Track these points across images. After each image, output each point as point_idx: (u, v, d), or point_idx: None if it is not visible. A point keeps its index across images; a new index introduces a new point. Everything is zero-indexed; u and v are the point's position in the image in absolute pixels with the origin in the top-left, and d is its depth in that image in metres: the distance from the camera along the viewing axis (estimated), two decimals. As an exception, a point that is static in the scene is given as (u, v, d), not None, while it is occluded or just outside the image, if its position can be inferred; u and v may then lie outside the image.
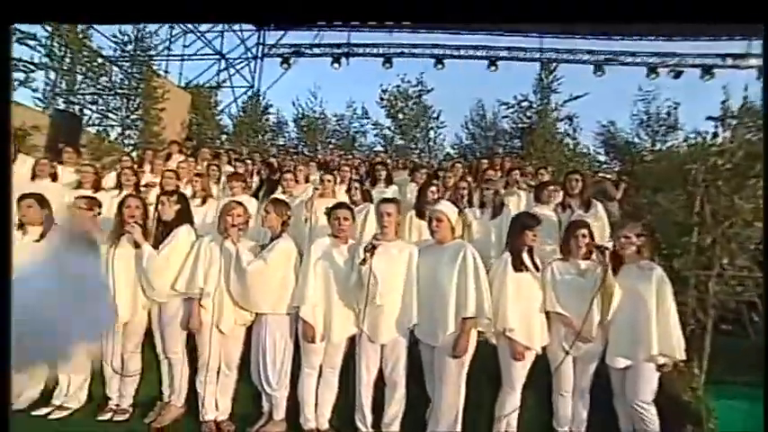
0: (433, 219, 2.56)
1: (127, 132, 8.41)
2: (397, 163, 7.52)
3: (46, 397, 3.07)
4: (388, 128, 11.73)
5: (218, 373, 2.87)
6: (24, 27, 6.07)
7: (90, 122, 7.47)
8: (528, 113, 10.21)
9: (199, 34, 12.86)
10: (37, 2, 1.35)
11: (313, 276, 2.63)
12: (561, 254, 2.69)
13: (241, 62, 14.13)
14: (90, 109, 7.48)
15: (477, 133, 12.17)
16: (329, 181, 4.07)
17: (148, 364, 3.07)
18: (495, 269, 2.59)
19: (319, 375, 2.72)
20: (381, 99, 11.86)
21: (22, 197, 3.23)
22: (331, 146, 12.42)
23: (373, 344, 2.59)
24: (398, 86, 11.83)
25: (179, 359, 2.93)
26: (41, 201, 3.20)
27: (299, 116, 12.57)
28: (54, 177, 4.59)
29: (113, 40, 8.74)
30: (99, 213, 3.22)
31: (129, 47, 8.68)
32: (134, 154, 6.78)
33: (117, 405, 3.01)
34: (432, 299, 2.48)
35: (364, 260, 2.42)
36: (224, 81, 13.66)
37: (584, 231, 2.59)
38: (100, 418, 2.93)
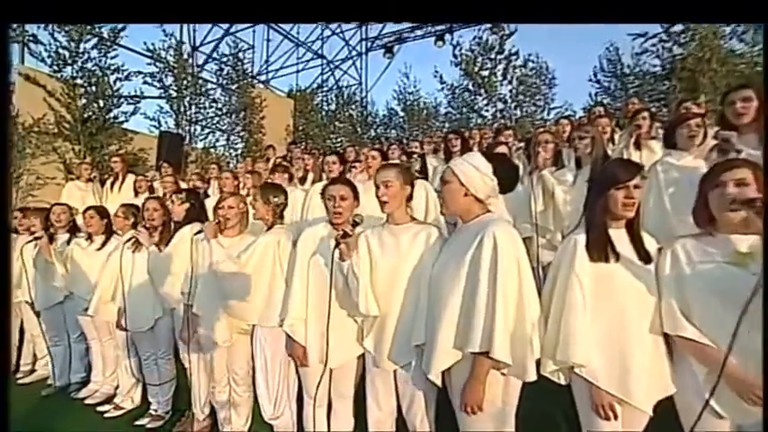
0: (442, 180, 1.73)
1: (233, 143, 9.30)
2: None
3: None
4: (504, 101, 10.08)
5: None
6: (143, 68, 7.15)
7: (198, 138, 8.46)
8: (683, 36, 7.37)
9: (298, 41, 13.68)
10: (37, 2, 1.37)
11: (301, 278, 2.06)
12: (697, 225, 1.52)
13: (344, 61, 14.61)
14: (197, 126, 8.45)
15: (614, 85, 9.77)
16: (373, 158, 3.45)
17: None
18: (558, 260, 1.60)
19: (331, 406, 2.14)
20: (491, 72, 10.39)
21: (87, 209, 3.54)
22: (443, 130, 11.65)
23: (381, 369, 1.88)
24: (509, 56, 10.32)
25: (194, 369, 2.74)
26: (102, 212, 3.46)
27: (407, 103, 12.09)
28: (151, 191, 5.21)
29: (214, 59, 9.78)
30: (135, 222, 3.28)
31: (226, 67, 9.54)
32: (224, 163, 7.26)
33: (155, 410, 2.99)
34: (433, 310, 1.66)
35: (341, 254, 1.75)
36: (326, 82, 14.21)
37: (748, 177, 1.37)
38: (137, 423, 2.93)
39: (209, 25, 11.57)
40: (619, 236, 1.54)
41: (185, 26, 9.51)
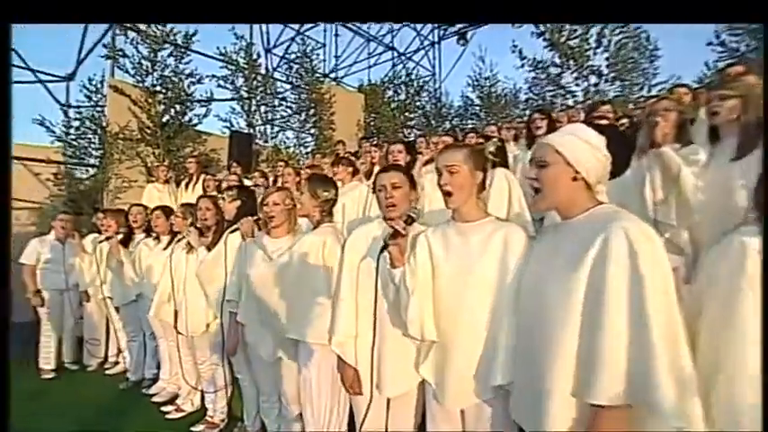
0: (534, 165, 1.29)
1: (303, 141, 9.42)
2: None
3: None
4: (598, 73, 8.57)
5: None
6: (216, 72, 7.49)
7: (269, 137, 8.68)
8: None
9: (369, 35, 13.57)
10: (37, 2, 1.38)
11: (351, 287, 1.74)
12: None
13: (416, 52, 14.23)
14: (268, 125, 8.67)
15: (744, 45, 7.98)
16: (444, 144, 3.06)
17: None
18: (708, 272, 1.09)
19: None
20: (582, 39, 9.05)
21: (154, 209, 3.63)
22: (523, 117, 10.71)
23: (443, 407, 1.50)
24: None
25: (245, 380, 2.60)
26: (168, 212, 3.51)
27: (483, 90, 11.30)
28: (219, 190, 5.34)
29: (284, 57, 9.98)
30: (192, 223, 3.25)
31: (295, 65, 9.68)
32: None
33: (211, 417, 2.92)
34: (532, 340, 1.22)
35: (391, 260, 1.40)
36: (398, 74, 13.93)
37: None
38: (193, 429, 2.87)
39: (281, 27, 11.98)
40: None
41: (257, 29, 9.86)
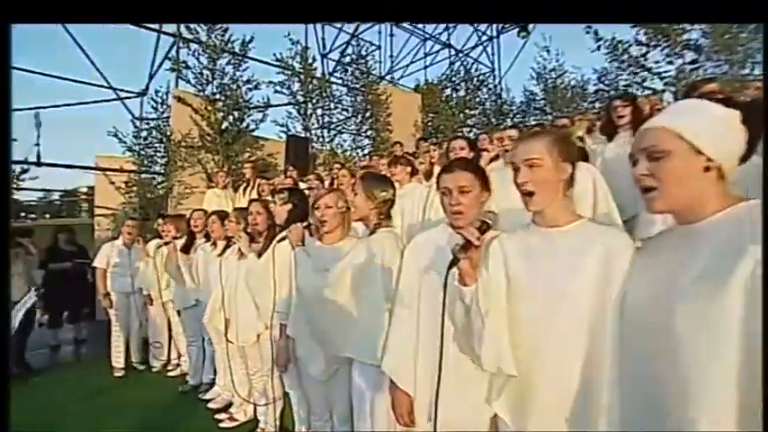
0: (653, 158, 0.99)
1: (359, 143, 9.39)
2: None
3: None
4: (696, 47, 7.25)
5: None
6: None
7: (325, 140, 8.73)
8: None
9: (424, 34, 13.34)
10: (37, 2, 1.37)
11: (410, 301, 1.52)
12: None
13: (474, 48, 13.79)
14: (324, 128, 8.73)
15: None
16: (511, 139, 2.77)
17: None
18: None
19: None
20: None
21: (210, 214, 3.65)
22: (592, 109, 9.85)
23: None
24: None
25: (295, 396, 2.46)
26: (223, 217, 3.51)
27: (548, 82, 10.59)
28: (273, 194, 5.38)
29: (339, 62, 10.03)
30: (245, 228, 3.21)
31: (350, 67, 9.70)
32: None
33: (263, 429, 2.83)
34: (653, 374, 0.92)
35: (461, 276, 1.16)
36: (456, 72, 13.54)
37: None
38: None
39: (336, 32, 12.12)
40: None
41: (312, 35, 10.02)
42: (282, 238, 2.36)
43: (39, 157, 5.64)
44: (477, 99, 11.68)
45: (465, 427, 1.36)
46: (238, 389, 3.04)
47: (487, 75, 13.20)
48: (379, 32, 13.08)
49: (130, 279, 4.43)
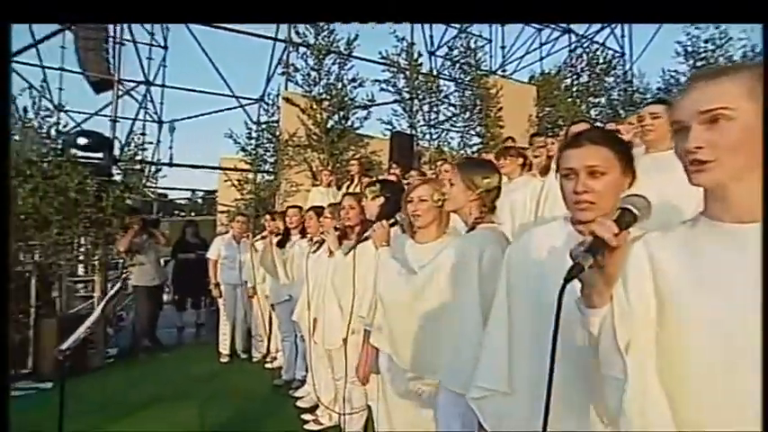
0: None
1: (468, 140, 8.95)
2: None
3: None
4: None
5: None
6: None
7: (431, 137, 8.51)
8: None
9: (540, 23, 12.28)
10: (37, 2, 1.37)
11: (509, 319, 1.17)
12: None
13: (599, 32, 12.31)
14: (431, 125, 8.51)
15: None
16: (654, 116, 2.19)
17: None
18: None
19: None
20: None
21: (307, 210, 3.67)
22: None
23: None
24: None
25: (379, 409, 2.22)
26: (320, 213, 3.51)
27: (699, 55, 8.84)
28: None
29: (446, 57, 9.70)
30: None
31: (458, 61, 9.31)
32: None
33: (345, 440, 2.67)
34: None
35: (585, 295, 0.77)
36: (578, 60, 12.22)
37: None
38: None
39: (444, 27, 11.83)
40: None
41: (419, 31, 9.90)
42: (367, 237, 2.15)
43: (171, 158, 6.43)
44: (603, 87, 10.30)
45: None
46: (323, 393, 2.93)
47: (616, 59, 11.61)
48: (490, 25, 12.44)
49: (237, 272, 4.71)
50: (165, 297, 6.00)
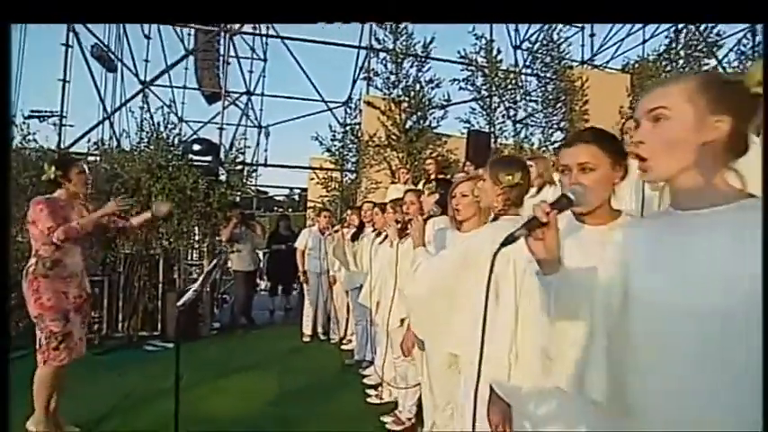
0: None
1: (550, 135, 8.62)
2: None
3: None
4: None
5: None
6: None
7: (509, 135, 8.34)
8: None
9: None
10: (37, 2, 1.36)
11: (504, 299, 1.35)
12: None
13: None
14: (509, 122, 8.37)
15: None
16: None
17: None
18: None
19: None
20: None
21: (375, 205, 4.03)
22: None
23: None
24: None
25: (425, 385, 2.46)
26: (384, 208, 3.85)
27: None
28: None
29: (529, 50, 9.41)
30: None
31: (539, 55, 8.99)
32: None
33: (400, 412, 2.95)
34: None
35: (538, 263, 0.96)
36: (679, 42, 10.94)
37: None
38: (383, 418, 2.97)
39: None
40: None
41: (502, 28, 9.74)
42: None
43: (266, 160, 7.26)
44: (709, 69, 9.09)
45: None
46: (386, 370, 3.24)
47: (745, 32, 10.12)
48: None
49: (320, 261, 5.25)
50: (262, 284, 6.85)
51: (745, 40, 10.02)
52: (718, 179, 0.86)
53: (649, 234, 0.93)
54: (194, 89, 10.67)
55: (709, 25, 10.74)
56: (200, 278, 2.54)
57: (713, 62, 9.70)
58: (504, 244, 0.89)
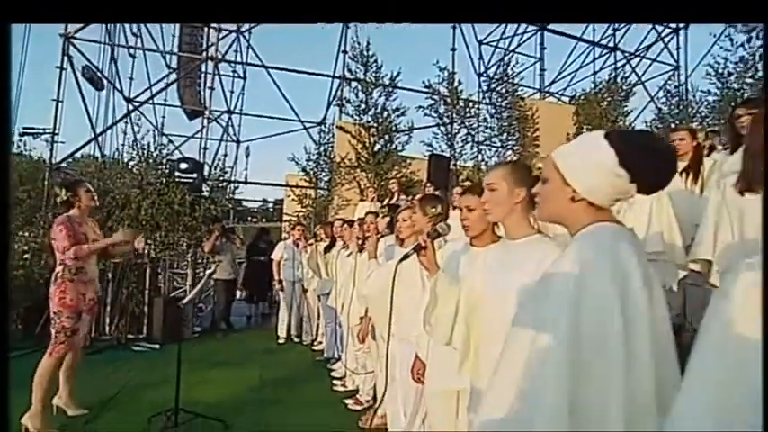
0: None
1: (505, 158, 9.54)
2: None
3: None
4: None
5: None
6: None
7: (468, 158, 9.24)
8: None
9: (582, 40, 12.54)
10: (37, 2, 1.35)
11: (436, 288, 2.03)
12: None
13: (650, 48, 12.29)
14: (467, 146, 9.26)
15: None
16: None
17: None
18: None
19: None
20: None
21: (342, 222, 4.66)
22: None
23: None
24: None
25: (378, 368, 3.10)
26: (351, 223, 4.49)
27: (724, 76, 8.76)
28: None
29: (491, 78, 10.39)
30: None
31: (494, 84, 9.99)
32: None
33: (359, 396, 3.56)
34: None
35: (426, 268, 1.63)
36: (626, 77, 12.24)
37: None
38: (345, 401, 3.56)
39: (491, 49, 12.53)
40: None
41: (459, 58, 10.69)
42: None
43: (246, 177, 7.79)
44: (622, 113, 10.34)
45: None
46: (349, 361, 3.86)
47: (669, 74, 11.52)
48: (541, 44, 12.96)
49: (293, 270, 5.84)
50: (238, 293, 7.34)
51: (669, 81, 11.41)
52: (525, 222, 1.56)
53: (497, 252, 1.63)
54: (176, 106, 11.09)
55: (640, 62, 12.12)
56: (200, 282, 3.12)
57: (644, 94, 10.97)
58: (402, 259, 1.57)
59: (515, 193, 1.53)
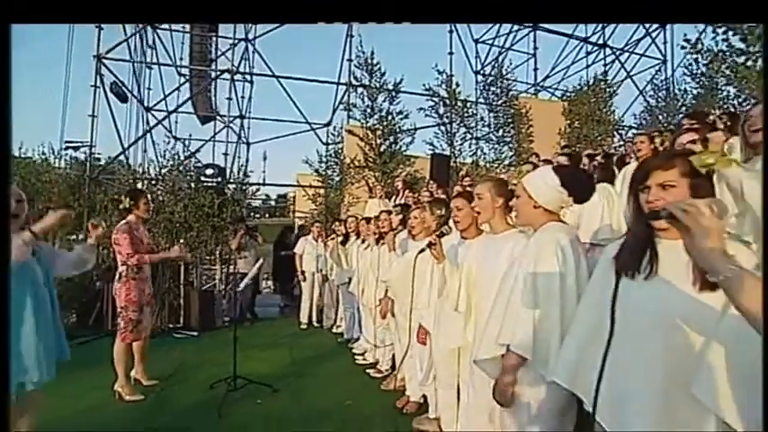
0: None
1: (502, 153, 10.13)
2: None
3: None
4: None
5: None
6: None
7: (467, 155, 9.86)
8: None
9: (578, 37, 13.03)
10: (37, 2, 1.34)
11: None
12: None
13: (638, 43, 12.79)
14: (466, 144, 9.85)
15: None
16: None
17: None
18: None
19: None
20: None
21: (362, 219, 5.25)
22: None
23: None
24: None
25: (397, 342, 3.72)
26: (368, 221, 5.07)
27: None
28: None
29: (489, 75, 10.94)
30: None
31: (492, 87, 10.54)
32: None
33: (379, 366, 4.17)
34: None
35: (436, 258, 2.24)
36: (615, 74, 12.76)
37: None
38: (369, 371, 4.18)
39: (488, 48, 13.05)
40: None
41: (456, 61, 11.22)
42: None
43: (263, 179, 8.41)
44: (610, 110, 10.85)
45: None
46: (369, 337, 4.48)
47: (657, 67, 12.03)
48: (535, 43, 13.46)
49: (315, 262, 6.45)
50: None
51: (657, 74, 11.92)
52: (504, 220, 2.16)
53: (484, 242, 2.23)
54: (190, 113, 11.67)
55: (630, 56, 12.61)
56: (250, 273, 3.72)
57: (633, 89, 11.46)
58: (419, 252, 2.17)
59: (496, 200, 2.13)
